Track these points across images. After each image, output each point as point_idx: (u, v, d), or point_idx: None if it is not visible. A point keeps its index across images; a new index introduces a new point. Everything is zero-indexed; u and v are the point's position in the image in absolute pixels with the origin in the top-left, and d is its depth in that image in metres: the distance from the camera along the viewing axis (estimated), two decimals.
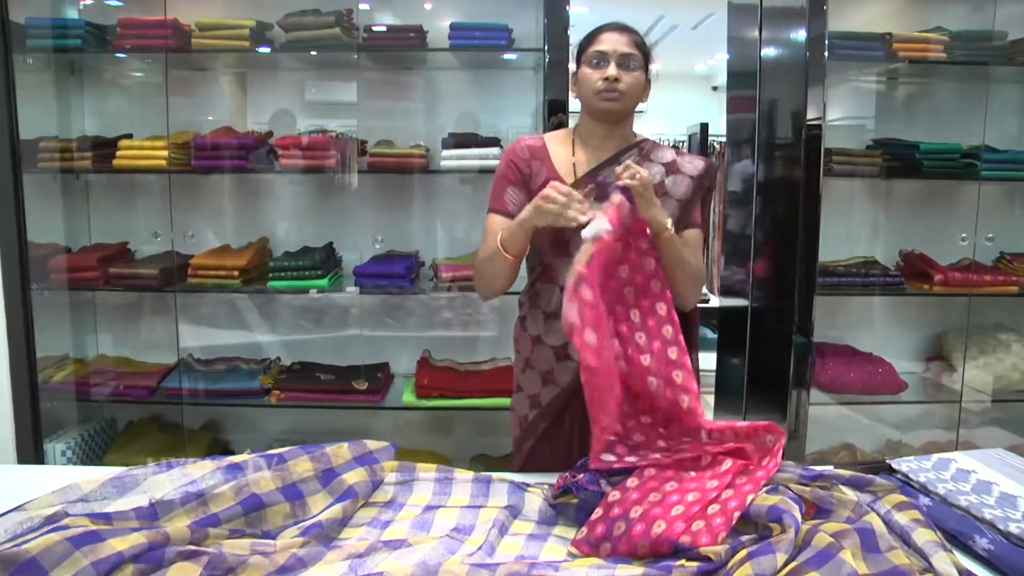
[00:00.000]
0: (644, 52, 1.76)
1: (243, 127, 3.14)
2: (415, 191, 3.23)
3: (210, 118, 3.16)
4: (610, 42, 1.73)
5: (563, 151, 1.80)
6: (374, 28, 2.95)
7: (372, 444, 1.66)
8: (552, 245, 1.76)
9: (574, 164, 1.78)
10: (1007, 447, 1.76)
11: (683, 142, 7.11)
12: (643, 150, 1.80)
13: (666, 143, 1.86)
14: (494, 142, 3.00)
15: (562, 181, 1.71)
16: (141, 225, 3.18)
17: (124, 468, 1.52)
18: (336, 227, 3.21)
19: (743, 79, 3.20)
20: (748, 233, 3.15)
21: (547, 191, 1.56)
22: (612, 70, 1.71)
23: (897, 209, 3.29)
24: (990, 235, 3.16)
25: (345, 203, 3.19)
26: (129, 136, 2.99)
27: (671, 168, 1.78)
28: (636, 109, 1.79)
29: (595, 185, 1.66)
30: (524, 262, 1.84)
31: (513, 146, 1.82)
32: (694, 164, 1.80)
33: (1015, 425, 3.16)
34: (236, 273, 2.93)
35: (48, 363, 3.03)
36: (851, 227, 3.27)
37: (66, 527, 1.19)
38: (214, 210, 3.24)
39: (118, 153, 2.92)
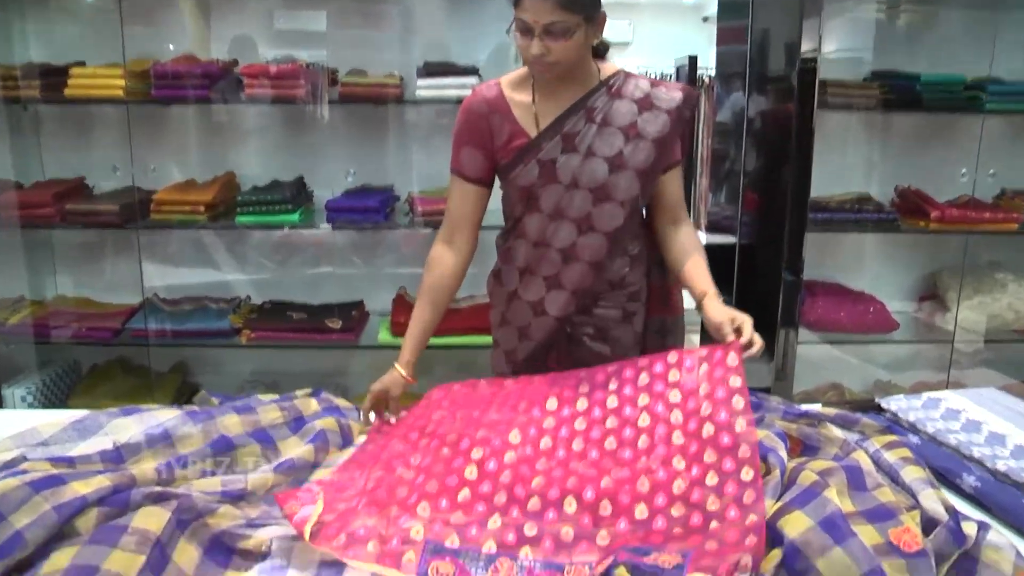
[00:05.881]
0: (575, 7, 1.54)
1: (206, 58, 3.05)
2: (389, 123, 3.18)
3: (170, 47, 3.07)
4: (531, 10, 1.53)
5: (524, 100, 1.71)
6: None
7: (341, 402, 1.70)
8: (522, 199, 1.72)
9: (536, 114, 1.70)
10: (998, 388, 1.78)
11: (670, 76, 7.03)
12: (612, 88, 1.69)
13: (647, 76, 1.77)
14: (472, 71, 2.94)
15: (526, 136, 1.68)
16: (98, 159, 3.12)
17: (86, 411, 1.52)
18: (307, 161, 3.16)
19: (734, 9, 3.14)
20: (737, 169, 3.14)
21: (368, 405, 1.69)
22: (536, 47, 1.55)
23: (894, 144, 3.28)
24: (992, 171, 3.17)
25: (316, 135, 3.14)
26: (81, 64, 2.91)
27: (644, 104, 1.68)
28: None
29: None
30: (501, 209, 1.83)
31: (469, 101, 1.73)
32: (671, 96, 1.69)
33: (1007, 366, 3.21)
34: (202, 208, 2.89)
35: (2, 305, 3.00)
36: (845, 162, 3.26)
37: (25, 472, 1.19)
38: (177, 143, 3.17)
39: (69, 82, 2.83)
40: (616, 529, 1.22)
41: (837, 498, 1.13)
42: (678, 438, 1.31)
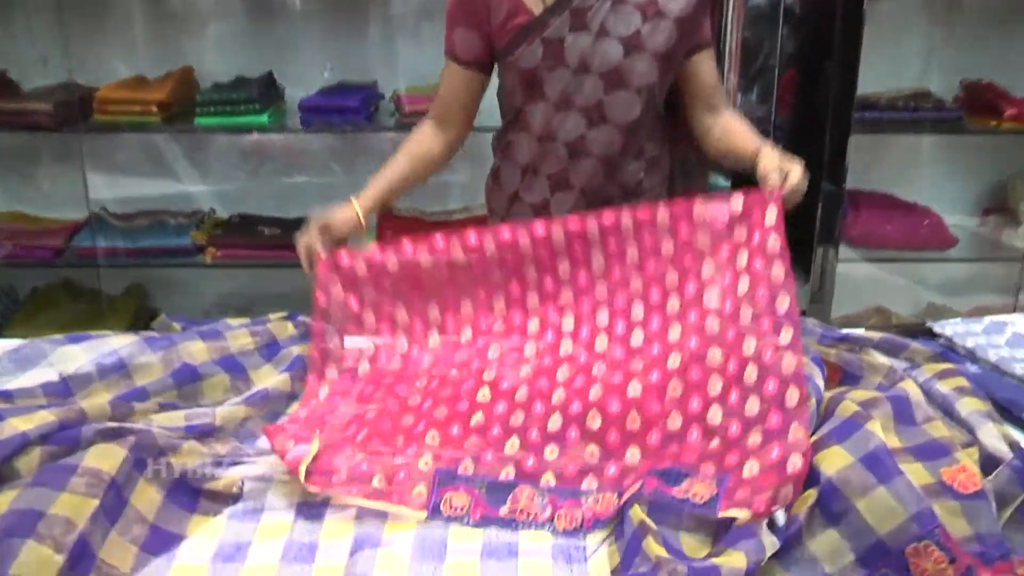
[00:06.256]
0: None
1: None
2: (371, 9, 3.12)
3: None
4: None
5: None
6: None
7: None
8: (523, 85, 1.70)
9: None
10: None
11: None
12: None
13: None
14: None
15: (528, 13, 1.65)
16: (23, 50, 3.04)
17: (25, 340, 1.51)
18: (276, 54, 3.11)
19: None
20: (771, 63, 3.08)
21: (301, 250, 1.60)
22: None
23: (962, 29, 3.19)
24: None
25: (286, 24, 3.10)
26: None
27: None
28: None
29: None
30: (497, 104, 1.82)
31: None
32: None
33: None
34: (155, 108, 2.85)
35: None
36: (900, 52, 3.18)
37: None
38: (121, 32, 3.11)
39: None
40: (647, 444, 1.23)
41: (881, 432, 1.12)
42: (712, 324, 1.29)
